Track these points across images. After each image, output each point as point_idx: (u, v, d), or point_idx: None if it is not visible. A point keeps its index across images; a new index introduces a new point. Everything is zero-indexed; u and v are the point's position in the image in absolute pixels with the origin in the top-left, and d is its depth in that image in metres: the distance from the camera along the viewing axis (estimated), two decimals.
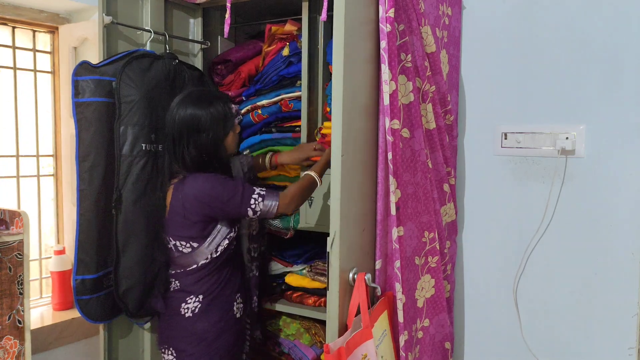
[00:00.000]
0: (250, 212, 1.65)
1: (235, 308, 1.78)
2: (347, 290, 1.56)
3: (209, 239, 1.68)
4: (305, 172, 1.73)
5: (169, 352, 1.73)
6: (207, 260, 1.70)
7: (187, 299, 1.71)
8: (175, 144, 1.68)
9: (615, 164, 1.87)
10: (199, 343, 1.71)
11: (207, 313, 1.72)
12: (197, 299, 1.71)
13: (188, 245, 1.68)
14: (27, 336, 1.58)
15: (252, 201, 1.64)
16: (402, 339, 1.65)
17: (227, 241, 1.71)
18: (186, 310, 1.71)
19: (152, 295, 1.80)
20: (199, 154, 1.66)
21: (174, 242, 1.69)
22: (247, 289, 1.92)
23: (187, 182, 1.65)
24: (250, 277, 1.97)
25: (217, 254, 1.70)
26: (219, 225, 1.69)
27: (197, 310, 1.71)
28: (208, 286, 1.72)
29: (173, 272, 1.74)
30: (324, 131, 1.83)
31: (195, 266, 1.70)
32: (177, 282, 1.73)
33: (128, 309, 1.80)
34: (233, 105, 2.04)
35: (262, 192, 1.66)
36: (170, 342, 1.74)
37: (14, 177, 2.15)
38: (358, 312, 1.54)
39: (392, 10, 1.53)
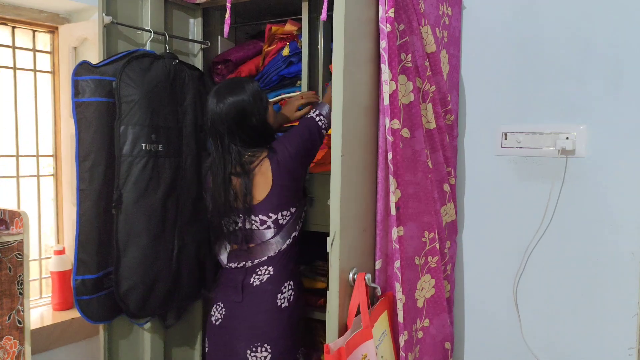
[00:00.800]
0: (323, 131, 1.78)
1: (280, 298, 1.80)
2: (347, 290, 1.56)
3: (299, 204, 1.77)
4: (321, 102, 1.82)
5: (263, 349, 1.69)
6: (296, 233, 1.76)
7: (282, 287, 1.71)
8: (231, 137, 1.73)
9: (616, 164, 1.87)
10: (294, 334, 1.72)
11: (298, 301, 1.75)
12: (290, 285, 1.73)
13: (288, 213, 1.74)
14: (27, 336, 1.58)
15: (318, 120, 1.76)
16: (402, 339, 1.65)
17: (303, 213, 1.82)
18: (282, 301, 1.70)
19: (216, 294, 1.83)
20: (255, 134, 1.74)
21: (275, 217, 1.73)
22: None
23: (276, 148, 1.74)
24: None
25: (301, 226, 1.79)
26: (301, 193, 1.81)
27: (292, 298, 1.72)
28: (295, 267, 1.77)
29: (265, 258, 1.74)
30: None
31: (289, 241, 1.75)
32: (270, 268, 1.73)
33: (129, 309, 1.80)
34: None
35: (315, 111, 1.78)
36: (264, 339, 1.70)
37: (14, 177, 2.15)
38: (358, 312, 1.54)
39: (392, 10, 1.53)
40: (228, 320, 1.74)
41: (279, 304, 1.71)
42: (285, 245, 1.74)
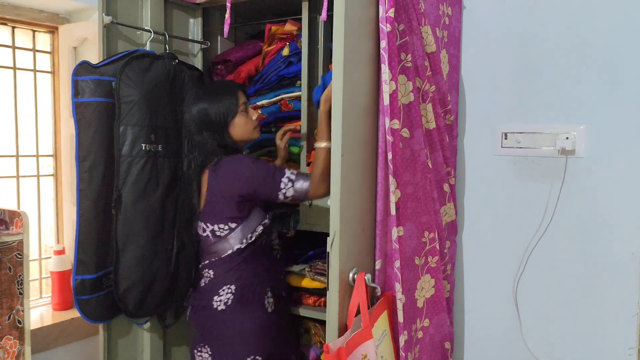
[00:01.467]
0: (280, 197, 1.66)
1: (266, 302, 1.78)
2: (347, 290, 1.56)
3: (245, 221, 1.70)
4: (316, 146, 1.70)
5: (205, 350, 1.72)
6: (243, 245, 1.71)
7: (220, 290, 1.71)
8: (195, 139, 1.77)
9: (615, 164, 1.87)
10: (233, 338, 1.70)
11: (240, 306, 1.71)
12: (230, 289, 1.71)
13: (226, 227, 1.70)
14: (27, 336, 1.58)
15: (282, 185, 1.65)
16: (402, 339, 1.65)
17: (261, 227, 1.73)
18: (219, 304, 1.70)
19: (188, 293, 1.83)
20: (214, 143, 1.74)
21: (212, 228, 1.72)
22: (278, 285, 1.89)
23: (221, 163, 1.70)
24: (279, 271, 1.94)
25: (252, 240, 1.72)
26: (254, 209, 1.72)
27: (229, 302, 1.70)
28: (240, 274, 1.72)
29: (207, 262, 1.75)
30: None
31: (230, 252, 1.72)
32: (211, 271, 1.74)
33: (128, 308, 1.80)
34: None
35: (292, 177, 1.66)
36: (205, 340, 1.72)
37: (14, 177, 2.15)
38: (358, 312, 1.54)
39: (392, 10, 1.53)
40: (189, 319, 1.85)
41: (214, 306, 1.72)
42: (226, 254, 1.73)
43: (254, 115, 1.80)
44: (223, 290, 1.72)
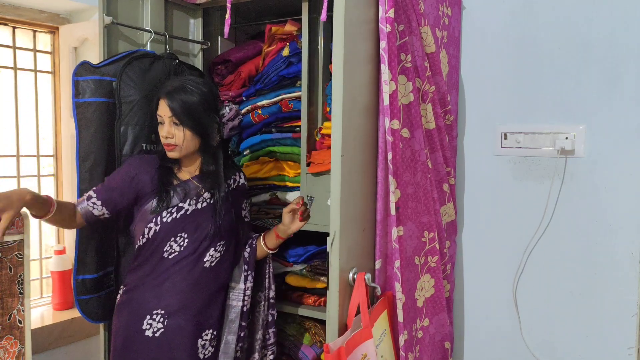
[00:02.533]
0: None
1: (147, 322, 1.55)
2: (347, 290, 1.56)
3: (137, 213, 1.62)
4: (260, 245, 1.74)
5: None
6: (140, 243, 1.60)
7: (120, 286, 1.67)
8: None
9: (615, 164, 1.88)
10: (112, 346, 1.61)
11: (118, 311, 1.62)
12: (122, 288, 1.64)
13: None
14: (27, 336, 1.58)
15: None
16: (402, 339, 1.65)
17: (156, 227, 1.57)
18: (117, 300, 1.65)
19: None
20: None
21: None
22: (214, 321, 1.63)
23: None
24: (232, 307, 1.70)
25: (145, 240, 1.58)
26: (146, 204, 1.60)
27: (117, 301, 1.64)
28: (130, 275, 1.62)
29: None
30: (323, 131, 1.83)
31: (136, 247, 1.62)
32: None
33: None
34: (233, 105, 2.02)
35: (92, 193, 1.60)
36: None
37: (14, 177, 2.15)
38: (358, 312, 1.54)
39: (392, 10, 1.53)
40: None
41: (116, 302, 1.67)
42: (135, 248, 1.68)
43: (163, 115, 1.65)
44: (121, 288, 1.66)
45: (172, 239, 1.58)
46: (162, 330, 1.55)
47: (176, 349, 1.55)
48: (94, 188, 1.61)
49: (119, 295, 1.65)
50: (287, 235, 1.70)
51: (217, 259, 1.63)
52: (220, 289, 1.66)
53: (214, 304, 1.63)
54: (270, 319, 1.78)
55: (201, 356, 1.59)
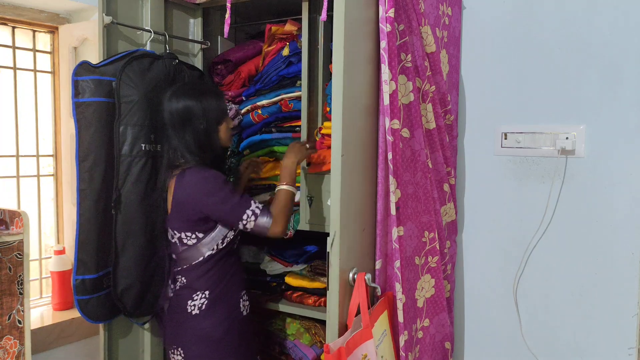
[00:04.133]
0: (240, 226, 1.65)
1: (241, 305, 1.77)
2: (347, 290, 1.56)
3: (215, 230, 1.68)
4: (278, 188, 1.71)
5: (178, 352, 1.72)
6: (213, 252, 1.69)
7: (194, 295, 1.70)
8: (172, 136, 1.70)
9: (615, 164, 1.88)
10: (207, 342, 1.69)
11: (214, 310, 1.70)
12: (204, 295, 1.70)
13: (194, 236, 1.68)
14: (27, 336, 1.58)
15: (245, 217, 1.63)
16: (402, 339, 1.65)
17: (232, 232, 1.72)
18: (193, 308, 1.70)
19: (161, 294, 1.80)
20: (194, 143, 1.68)
21: (179, 235, 1.69)
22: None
23: (187, 176, 1.65)
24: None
25: (223, 245, 1.70)
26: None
27: (203, 307, 1.70)
28: (214, 280, 1.71)
29: (179, 268, 1.73)
30: (324, 131, 1.83)
31: (201, 259, 1.69)
32: (183, 278, 1.72)
33: (126, 308, 1.80)
34: (233, 105, 2.01)
35: (256, 211, 1.64)
36: (179, 342, 1.72)
37: (14, 177, 2.15)
38: (358, 312, 1.54)
39: (392, 10, 1.53)
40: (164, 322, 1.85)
41: (189, 310, 1.70)
42: (197, 261, 1.71)
43: (232, 124, 1.81)
44: (197, 295, 1.70)
45: (234, 234, 1.75)
46: (248, 306, 1.82)
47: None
48: (259, 205, 1.66)
49: (204, 300, 1.70)
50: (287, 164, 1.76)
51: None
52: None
53: None
54: None
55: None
